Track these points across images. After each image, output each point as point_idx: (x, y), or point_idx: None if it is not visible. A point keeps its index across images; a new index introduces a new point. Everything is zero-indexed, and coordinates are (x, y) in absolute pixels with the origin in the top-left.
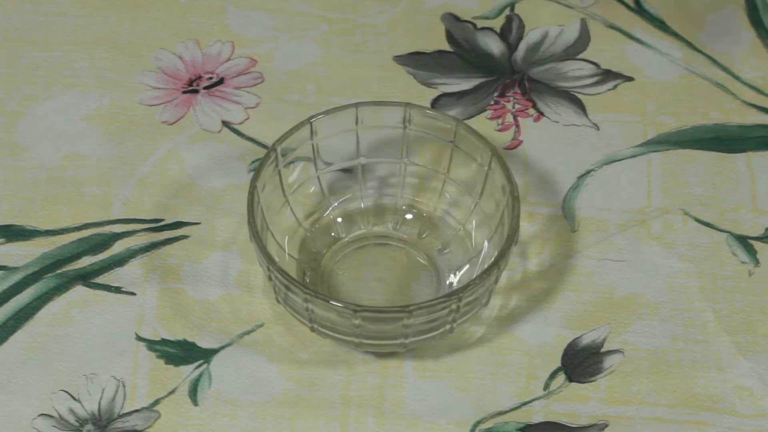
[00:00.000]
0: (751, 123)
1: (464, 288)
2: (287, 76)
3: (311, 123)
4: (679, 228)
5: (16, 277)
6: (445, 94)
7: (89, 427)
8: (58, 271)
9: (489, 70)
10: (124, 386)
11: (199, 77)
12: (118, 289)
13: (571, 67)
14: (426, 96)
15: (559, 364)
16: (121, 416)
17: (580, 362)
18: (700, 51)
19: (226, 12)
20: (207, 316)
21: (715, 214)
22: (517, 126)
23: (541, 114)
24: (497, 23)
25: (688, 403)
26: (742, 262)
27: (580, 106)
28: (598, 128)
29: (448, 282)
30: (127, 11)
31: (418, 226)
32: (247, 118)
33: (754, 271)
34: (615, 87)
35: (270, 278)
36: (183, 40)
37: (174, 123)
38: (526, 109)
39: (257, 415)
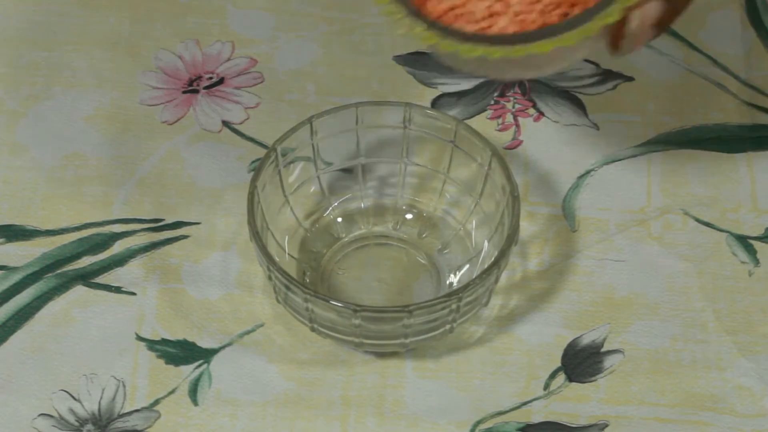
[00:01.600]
0: (751, 123)
1: (464, 288)
2: (287, 76)
3: (311, 123)
4: (679, 228)
5: (16, 277)
6: (445, 94)
7: (89, 427)
8: (58, 271)
9: None
10: (124, 386)
11: (199, 77)
12: (118, 289)
13: (571, 67)
14: (426, 96)
15: (559, 364)
16: (121, 416)
17: (580, 362)
18: (700, 51)
19: (226, 12)
20: (207, 316)
21: (715, 214)
22: (517, 126)
23: (541, 114)
24: None
25: (688, 403)
26: (742, 262)
27: (580, 106)
28: (598, 128)
29: (448, 282)
30: (127, 11)
31: (418, 226)
32: (247, 118)
33: (754, 271)
34: (615, 87)
35: (270, 278)
36: (183, 40)
37: (174, 123)
38: (526, 109)
39: (257, 415)
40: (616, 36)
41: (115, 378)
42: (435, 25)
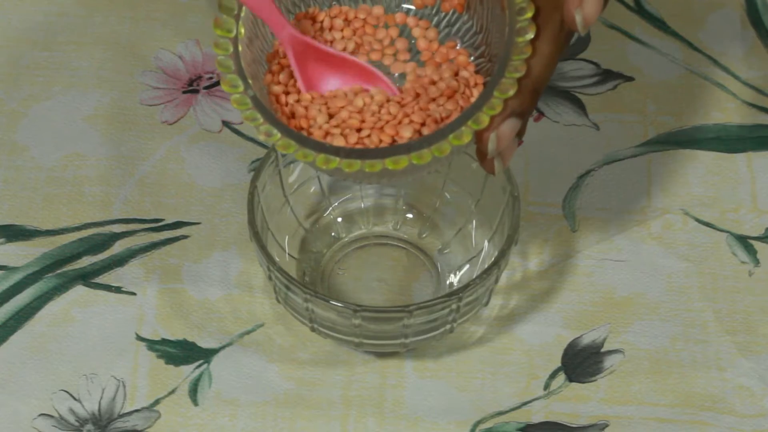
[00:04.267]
0: (751, 123)
1: (464, 288)
2: None
3: None
4: (679, 228)
5: (16, 277)
6: None
7: (89, 426)
8: (59, 271)
9: None
10: (124, 386)
11: (200, 77)
12: (118, 289)
13: (571, 67)
14: None
15: (559, 364)
16: (121, 416)
17: (580, 362)
18: (700, 51)
19: None
20: (207, 316)
21: (715, 214)
22: None
23: (542, 114)
24: None
25: (688, 403)
26: (742, 262)
27: (580, 106)
28: (598, 128)
29: (448, 282)
30: (127, 11)
31: (418, 226)
32: None
33: (754, 271)
34: (615, 87)
35: (270, 278)
36: (183, 40)
37: (174, 123)
38: None
39: (257, 415)
40: (482, 153)
41: (115, 378)
42: (292, 134)
